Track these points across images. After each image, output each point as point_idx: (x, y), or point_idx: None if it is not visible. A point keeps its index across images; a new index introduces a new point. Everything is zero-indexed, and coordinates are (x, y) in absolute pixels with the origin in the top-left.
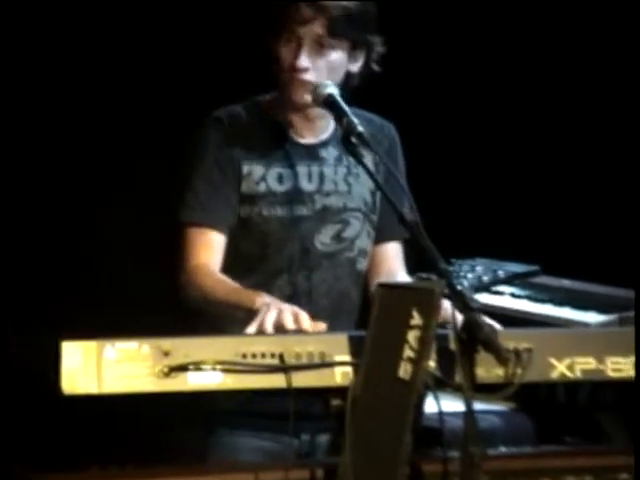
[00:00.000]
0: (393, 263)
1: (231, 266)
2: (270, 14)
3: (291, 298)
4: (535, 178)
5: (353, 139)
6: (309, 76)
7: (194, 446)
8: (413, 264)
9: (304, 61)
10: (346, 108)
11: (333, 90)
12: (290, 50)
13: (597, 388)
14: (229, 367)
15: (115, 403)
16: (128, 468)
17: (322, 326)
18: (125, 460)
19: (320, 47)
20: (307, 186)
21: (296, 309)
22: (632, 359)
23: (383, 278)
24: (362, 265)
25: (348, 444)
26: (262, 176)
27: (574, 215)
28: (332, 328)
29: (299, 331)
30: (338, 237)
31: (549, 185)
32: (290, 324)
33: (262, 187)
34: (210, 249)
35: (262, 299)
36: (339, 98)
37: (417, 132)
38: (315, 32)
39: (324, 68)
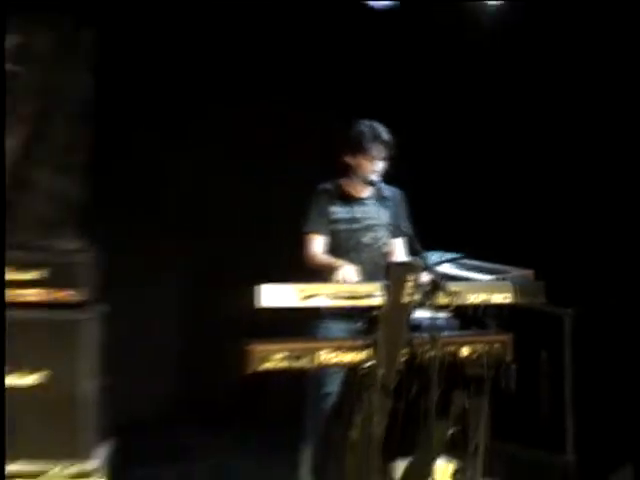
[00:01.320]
0: (398, 249)
1: (331, 251)
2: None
3: (357, 265)
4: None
5: (382, 196)
6: (377, 175)
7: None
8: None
9: (378, 168)
10: (380, 184)
11: (375, 177)
12: (371, 164)
13: (486, 308)
14: (333, 297)
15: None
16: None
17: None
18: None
19: (383, 160)
20: (360, 215)
21: (348, 270)
22: (500, 296)
23: (394, 257)
24: (385, 249)
25: (381, 335)
26: (338, 212)
27: (490, 221)
28: (373, 280)
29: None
30: (374, 238)
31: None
32: (341, 278)
33: (338, 216)
34: (317, 243)
35: (339, 263)
36: (376, 180)
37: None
38: (384, 155)
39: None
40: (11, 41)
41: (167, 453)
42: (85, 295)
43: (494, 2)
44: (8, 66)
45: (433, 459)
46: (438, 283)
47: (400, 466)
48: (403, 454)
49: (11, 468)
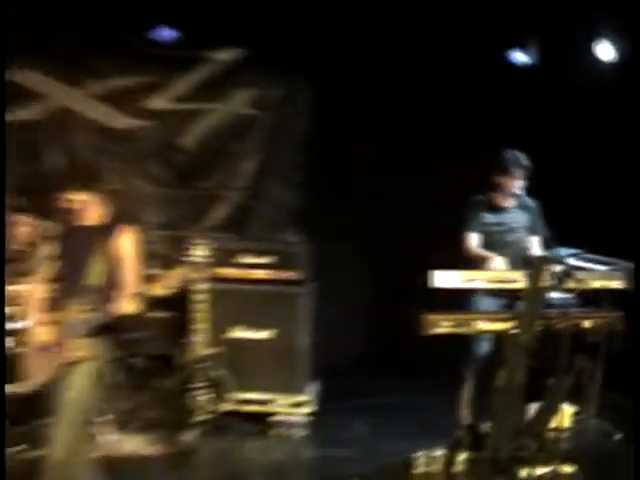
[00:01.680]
0: (535, 246)
1: (484, 248)
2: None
3: (505, 257)
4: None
5: (523, 205)
6: (518, 190)
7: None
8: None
9: (519, 185)
10: (521, 196)
11: (516, 191)
12: (514, 182)
13: (603, 291)
14: (487, 281)
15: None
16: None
17: (502, 267)
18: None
19: (523, 179)
20: (506, 220)
21: (498, 261)
22: (615, 282)
23: (532, 252)
24: (525, 244)
25: (523, 310)
26: (489, 217)
27: (604, 224)
28: (517, 269)
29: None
30: (516, 237)
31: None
32: (493, 267)
33: (489, 220)
34: (473, 240)
35: (491, 255)
36: (517, 193)
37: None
38: (523, 175)
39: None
40: (251, 92)
41: (359, 392)
42: (302, 275)
43: (608, 60)
44: (249, 111)
45: (559, 404)
46: (568, 272)
47: (534, 407)
48: (536, 399)
49: (248, 396)
